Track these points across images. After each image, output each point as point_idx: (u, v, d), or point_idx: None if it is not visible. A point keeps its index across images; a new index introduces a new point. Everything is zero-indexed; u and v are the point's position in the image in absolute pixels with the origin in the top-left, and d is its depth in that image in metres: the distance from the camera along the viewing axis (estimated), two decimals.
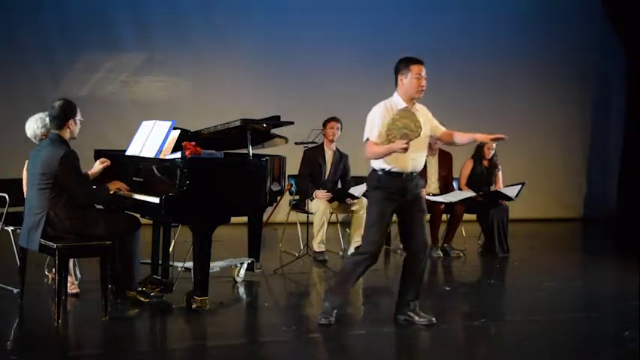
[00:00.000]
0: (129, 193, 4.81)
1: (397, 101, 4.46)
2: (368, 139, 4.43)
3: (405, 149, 4.21)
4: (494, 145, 7.51)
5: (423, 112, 4.53)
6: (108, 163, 5.02)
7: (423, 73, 4.41)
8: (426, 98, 4.52)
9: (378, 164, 4.46)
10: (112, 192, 4.77)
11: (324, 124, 7.09)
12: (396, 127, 4.26)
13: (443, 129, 4.63)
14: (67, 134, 4.64)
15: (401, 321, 4.54)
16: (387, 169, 4.42)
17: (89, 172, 4.96)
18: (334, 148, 7.16)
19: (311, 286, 6.07)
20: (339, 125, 7.08)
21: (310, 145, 6.72)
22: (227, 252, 6.22)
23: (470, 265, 7.11)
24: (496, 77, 10.34)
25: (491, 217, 7.39)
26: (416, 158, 4.45)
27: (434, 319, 4.55)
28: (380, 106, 4.46)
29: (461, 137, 4.59)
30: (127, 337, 4.32)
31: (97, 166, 5.01)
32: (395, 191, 4.42)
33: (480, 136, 4.54)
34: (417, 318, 4.50)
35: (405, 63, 4.45)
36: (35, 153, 4.66)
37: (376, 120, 4.41)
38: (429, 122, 4.54)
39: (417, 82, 4.38)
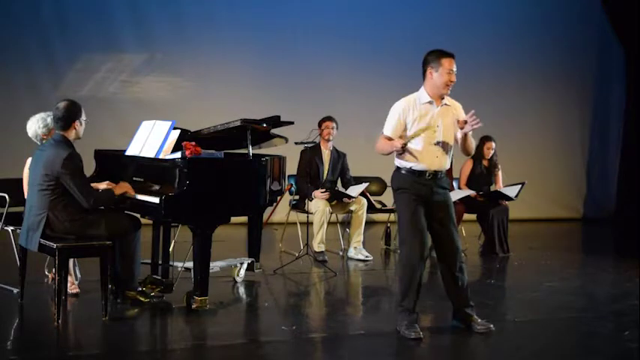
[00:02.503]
0: (132, 194, 4.77)
1: (422, 96, 4.32)
2: (382, 133, 4.33)
3: (400, 150, 4.16)
4: (494, 145, 7.52)
5: (454, 108, 4.39)
6: (123, 189, 4.79)
7: (454, 68, 4.26)
8: None
9: (400, 163, 4.35)
10: (117, 196, 4.70)
11: (320, 124, 7.09)
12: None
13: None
14: (72, 135, 4.62)
15: (456, 325, 4.51)
16: (409, 168, 4.31)
17: (93, 185, 4.83)
18: (331, 148, 7.17)
19: (311, 286, 6.07)
20: (335, 124, 7.08)
21: (309, 145, 6.72)
22: (227, 252, 6.22)
23: (470, 265, 7.07)
24: (496, 77, 10.35)
25: (491, 217, 7.39)
26: (440, 156, 4.32)
27: (492, 326, 4.43)
28: (402, 101, 4.34)
29: (459, 143, 4.43)
30: (127, 337, 4.32)
31: (103, 184, 4.88)
32: (418, 192, 4.29)
33: (465, 129, 4.31)
34: (474, 325, 4.44)
35: (435, 55, 4.27)
36: (39, 153, 4.65)
37: (394, 116, 4.30)
38: (458, 121, 4.36)
39: (448, 77, 4.22)
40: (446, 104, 4.37)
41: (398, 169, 4.40)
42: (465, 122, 4.27)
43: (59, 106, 4.61)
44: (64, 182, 4.46)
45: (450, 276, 4.46)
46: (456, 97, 4.52)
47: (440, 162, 4.33)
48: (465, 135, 4.35)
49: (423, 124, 4.28)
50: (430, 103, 4.32)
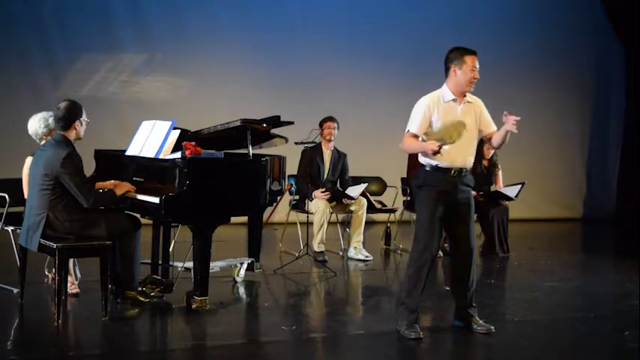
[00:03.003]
0: (134, 194, 4.77)
1: (445, 93, 4.30)
2: (408, 131, 4.29)
3: (435, 153, 4.10)
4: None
5: (476, 105, 4.38)
6: (124, 189, 4.78)
7: (477, 65, 4.24)
8: None
9: (425, 159, 4.31)
10: (118, 196, 4.68)
11: (321, 124, 7.10)
12: (434, 133, 4.16)
13: (494, 129, 4.38)
14: (72, 135, 4.62)
15: (457, 325, 4.51)
16: (434, 165, 4.27)
17: (99, 184, 4.82)
18: (332, 148, 7.17)
19: (311, 286, 6.07)
20: (336, 125, 7.09)
21: (309, 145, 6.72)
22: (227, 252, 6.22)
23: None
24: (496, 77, 10.33)
25: (491, 217, 7.39)
26: (465, 153, 4.30)
27: (492, 327, 4.43)
28: (426, 98, 4.30)
29: (497, 136, 4.38)
30: (127, 337, 4.32)
31: (109, 183, 4.86)
32: (442, 189, 4.26)
33: (506, 127, 4.27)
34: (474, 326, 4.43)
35: (459, 53, 4.27)
36: (40, 153, 4.65)
37: (419, 112, 4.26)
38: (481, 116, 4.37)
39: (472, 74, 4.22)
40: (468, 101, 4.37)
41: (422, 166, 4.36)
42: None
43: (60, 106, 4.61)
44: (64, 182, 4.46)
45: (460, 275, 4.46)
46: None
47: (464, 159, 4.32)
48: (506, 130, 4.29)
49: (448, 121, 4.22)
50: (454, 100, 4.31)
